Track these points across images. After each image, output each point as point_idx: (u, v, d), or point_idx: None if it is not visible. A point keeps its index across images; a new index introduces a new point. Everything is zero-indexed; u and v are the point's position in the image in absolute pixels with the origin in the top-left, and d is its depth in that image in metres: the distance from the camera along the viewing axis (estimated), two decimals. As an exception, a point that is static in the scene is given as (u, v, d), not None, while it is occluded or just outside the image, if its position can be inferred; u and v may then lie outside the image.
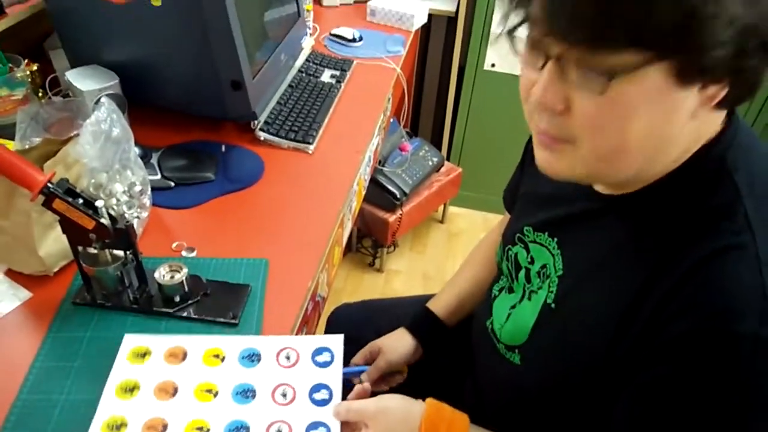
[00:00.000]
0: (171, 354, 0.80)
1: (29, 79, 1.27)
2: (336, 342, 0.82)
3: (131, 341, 0.81)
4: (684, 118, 0.56)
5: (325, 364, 0.80)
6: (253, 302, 0.90)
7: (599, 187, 0.69)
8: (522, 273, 0.80)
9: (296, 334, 0.92)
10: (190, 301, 0.88)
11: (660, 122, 0.55)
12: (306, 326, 1.02)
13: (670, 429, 0.60)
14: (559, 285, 0.72)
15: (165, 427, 0.72)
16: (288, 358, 0.80)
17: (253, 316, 0.88)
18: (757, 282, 0.56)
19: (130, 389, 0.76)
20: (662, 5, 0.48)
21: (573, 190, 0.72)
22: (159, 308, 0.87)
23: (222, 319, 0.86)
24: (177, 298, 0.87)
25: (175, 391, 0.76)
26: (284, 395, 0.76)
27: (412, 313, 1.05)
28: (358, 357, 1.02)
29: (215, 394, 0.76)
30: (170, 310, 0.87)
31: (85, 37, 1.23)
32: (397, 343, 1.01)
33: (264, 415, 0.74)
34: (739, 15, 0.49)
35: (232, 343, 0.82)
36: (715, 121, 0.61)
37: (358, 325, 1.13)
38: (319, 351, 0.81)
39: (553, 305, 0.72)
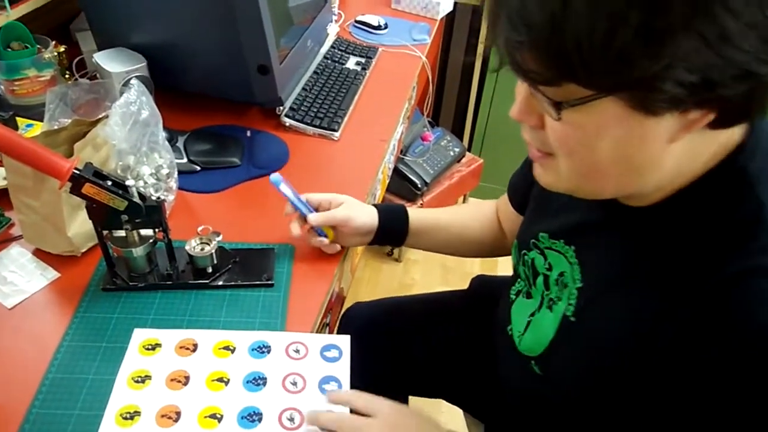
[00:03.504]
0: (181, 346, 0.80)
1: (56, 61, 1.27)
2: (343, 341, 0.83)
3: (141, 335, 0.81)
4: (661, 141, 0.52)
5: (333, 359, 0.80)
6: (279, 279, 0.91)
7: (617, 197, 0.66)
8: (540, 279, 0.78)
9: (321, 322, 0.91)
10: (221, 271, 0.89)
11: (630, 146, 0.53)
12: (330, 313, 1.02)
13: None
14: (578, 298, 0.70)
15: (178, 414, 0.73)
16: (297, 351, 0.81)
17: (282, 279, 0.91)
18: None
19: (142, 379, 0.76)
20: (589, 46, 0.46)
21: (590, 198, 0.69)
22: (193, 281, 0.88)
23: (258, 281, 0.89)
24: (209, 270, 0.88)
25: (187, 380, 0.76)
26: (294, 384, 0.77)
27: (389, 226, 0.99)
28: (315, 198, 0.96)
29: (226, 383, 0.76)
30: (206, 281, 0.88)
31: (112, 19, 1.23)
32: (363, 212, 0.96)
33: (276, 402, 0.75)
34: (685, 53, 0.45)
35: (242, 336, 0.82)
36: (731, 132, 0.56)
37: (371, 324, 1.13)
38: (327, 347, 0.82)
39: (573, 318, 0.70)
